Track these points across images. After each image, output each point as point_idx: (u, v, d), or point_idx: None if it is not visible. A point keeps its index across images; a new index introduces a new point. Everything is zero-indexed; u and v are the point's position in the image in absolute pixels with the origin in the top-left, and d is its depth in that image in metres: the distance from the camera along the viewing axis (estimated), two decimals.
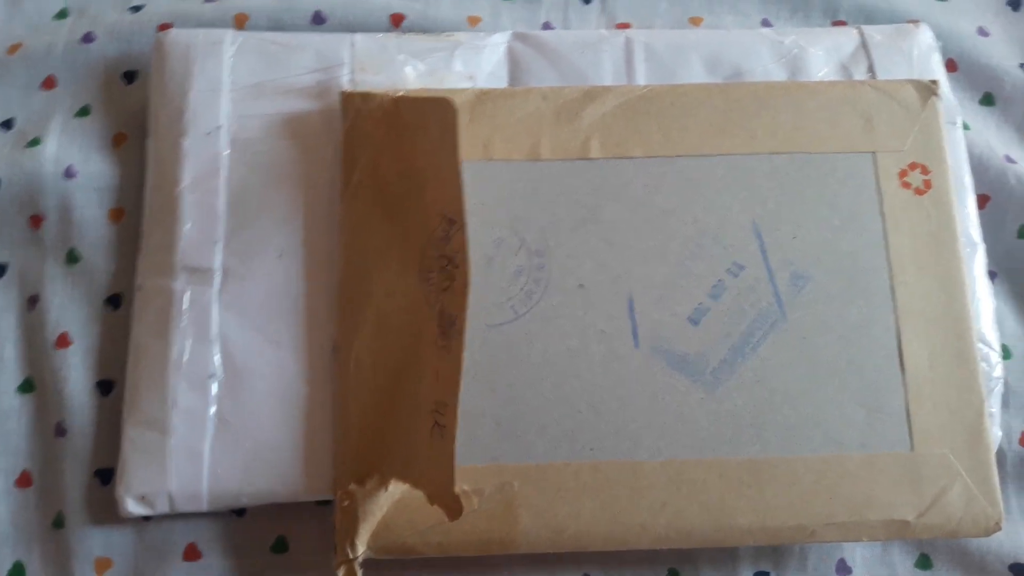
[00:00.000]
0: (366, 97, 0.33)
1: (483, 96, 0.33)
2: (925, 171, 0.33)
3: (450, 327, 0.30)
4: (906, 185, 0.33)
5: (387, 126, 0.33)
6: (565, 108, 0.33)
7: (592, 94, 0.34)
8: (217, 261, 0.33)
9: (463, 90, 0.34)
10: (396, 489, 0.29)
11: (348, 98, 0.34)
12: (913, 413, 0.31)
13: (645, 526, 0.30)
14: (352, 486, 0.30)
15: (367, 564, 0.29)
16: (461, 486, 0.29)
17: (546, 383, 0.31)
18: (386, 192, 0.33)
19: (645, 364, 0.31)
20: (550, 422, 0.30)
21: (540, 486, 0.30)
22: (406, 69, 0.35)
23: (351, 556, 0.29)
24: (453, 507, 0.28)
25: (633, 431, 0.30)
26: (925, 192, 0.33)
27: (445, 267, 0.30)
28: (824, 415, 0.31)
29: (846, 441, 0.31)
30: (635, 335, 0.31)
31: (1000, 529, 0.30)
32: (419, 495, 0.29)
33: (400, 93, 0.33)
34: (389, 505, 0.29)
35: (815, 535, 0.30)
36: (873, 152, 0.33)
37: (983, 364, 0.33)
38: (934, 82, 0.34)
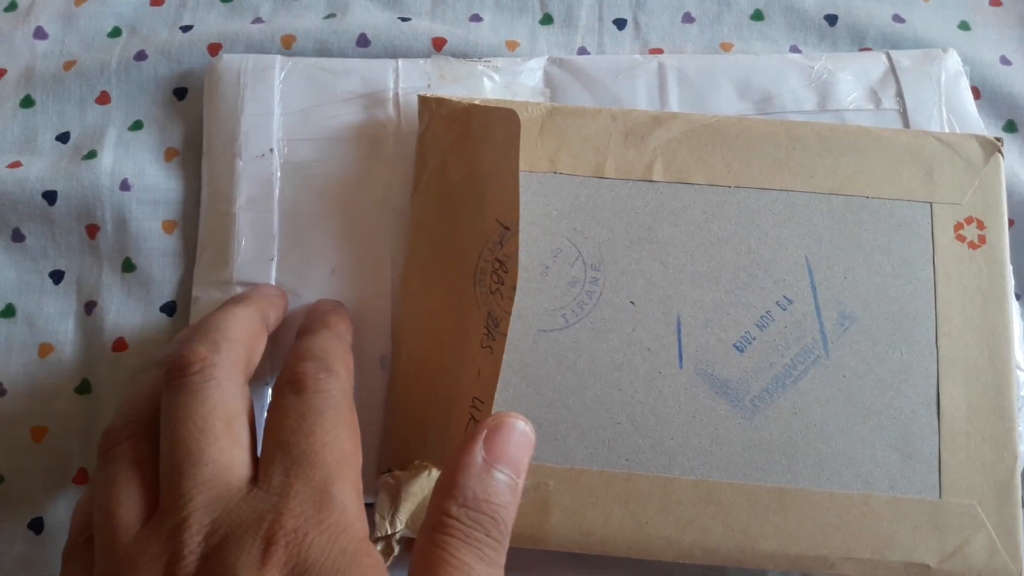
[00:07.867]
0: (440, 102, 0.35)
1: (554, 112, 0.35)
2: (981, 226, 0.34)
3: (495, 328, 0.31)
4: (961, 238, 0.34)
5: (457, 132, 0.34)
6: (633, 130, 0.34)
7: (660, 119, 0.35)
8: (272, 277, 0.35)
9: (536, 104, 0.35)
10: (437, 474, 0.30)
11: (425, 102, 0.35)
12: (945, 462, 0.31)
13: (671, 540, 0.31)
14: (395, 469, 0.31)
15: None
16: None
17: (589, 392, 0.32)
18: (450, 195, 0.34)
19: (687, 385, 0.32)
20: (589, 430, 0.31)
21: (573, 489, 0.31)
22: (483, 80, 0.37)
23: (389, 532, 0.30)
24: None
25: (669, 448, 0.31)
26: (979, 247, 0.34)
27: (496, 270, 0.32)
28: (856, 453, 0.31)
29: (875, 481, 0.31)
30: (680, 356, 0.32)
31: None
32: None
33: (475, 101, 0.35)
34: (430, 487, 0.30)
35: (835, 567, 0.31)
36: (930, 203, 0.34)
37: None
38: (999, 139, 0.35)
